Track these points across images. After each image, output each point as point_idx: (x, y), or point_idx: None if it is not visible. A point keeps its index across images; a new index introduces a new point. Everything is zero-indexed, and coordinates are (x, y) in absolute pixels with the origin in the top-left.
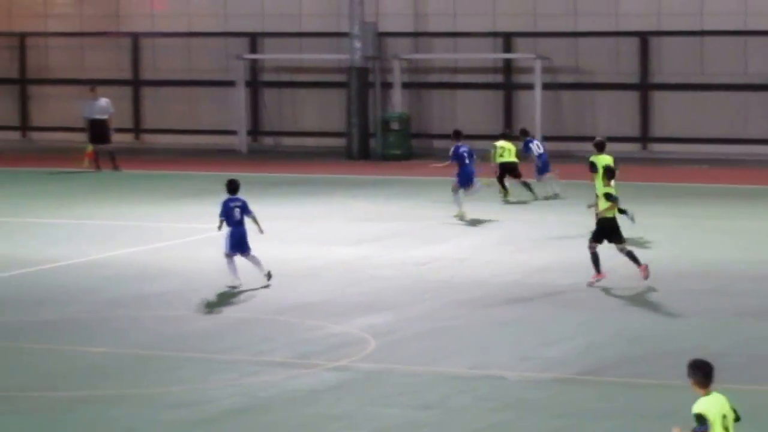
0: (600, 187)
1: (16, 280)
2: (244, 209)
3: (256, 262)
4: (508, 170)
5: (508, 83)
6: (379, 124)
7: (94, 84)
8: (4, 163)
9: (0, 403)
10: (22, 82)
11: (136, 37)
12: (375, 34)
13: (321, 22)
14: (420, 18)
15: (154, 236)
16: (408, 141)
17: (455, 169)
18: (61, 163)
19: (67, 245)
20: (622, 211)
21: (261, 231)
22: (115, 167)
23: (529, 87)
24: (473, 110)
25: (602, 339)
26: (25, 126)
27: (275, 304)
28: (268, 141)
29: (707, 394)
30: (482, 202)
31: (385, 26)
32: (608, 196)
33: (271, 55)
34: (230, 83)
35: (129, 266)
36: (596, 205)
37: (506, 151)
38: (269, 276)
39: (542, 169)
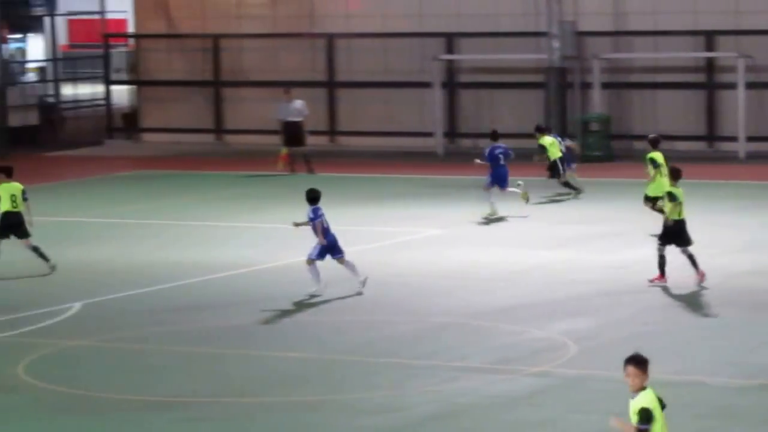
0: (664, 185)
1: (211, 284)
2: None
3: (351, 267)
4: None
5: (710, 83)
6: (579, 126)
7: (288, 86)
8: (198, 167)
9: (195, 409)
10: (216, 85)
11: (330, 38)
12: (573, 34)
13: (518, 21)
14: (619, 17)
15: (349, 240)
16: (608, 142)
17: (489, 170)
18: (256, 166)
19: (262, 249)
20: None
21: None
22: (310, 170)
23: (732, 86)
24: (674, 110)
25: None
26: (219, 129)
27: (474, 308)
28: (465, 143)
29: (645, 387)
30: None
31: (584, 25)
32: (671, 196)
33: (468, 55)
34: (426, 84)
35: (324, 270)
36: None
37: (555, 146)
38: (364, 283)
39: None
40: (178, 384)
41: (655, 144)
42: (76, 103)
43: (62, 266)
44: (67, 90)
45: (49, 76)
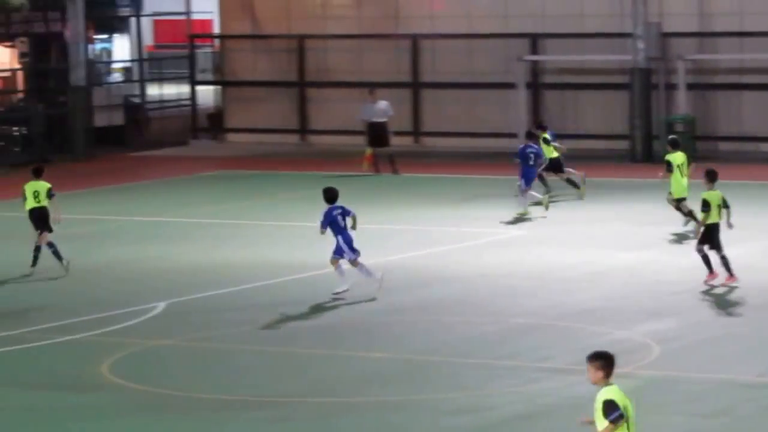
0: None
1: (295, 284)
2: (345, 213)
3: (364, 271)
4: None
5: None
6: (663, 127)
7: (372, 87)
8: (282, 167)
9: (279, 409)
10: (301, 85)
11: (415, 39)
12: (659, 35)
13: (603, 22)
14: (704, 18)
15: (433, 240)
16: (693, 143)
17: (519, 169)
18: (340, 167)
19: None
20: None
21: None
22: (395, 170)
23: None
24: (760, 111)
25: None
26: (303, 129)
27: (557, 309)
28: None
29: (609, 384)
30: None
31: (669, 26)
32: (704, 203)
33: (552, 56)
34: (510, 85)
35: (409, 270)
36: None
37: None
38: (380, 282)
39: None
40: (263, 384)
41: (675, 145)
42: (161, 103)
43: (146, 266)
44: (152, 90)
45: (135, 76)
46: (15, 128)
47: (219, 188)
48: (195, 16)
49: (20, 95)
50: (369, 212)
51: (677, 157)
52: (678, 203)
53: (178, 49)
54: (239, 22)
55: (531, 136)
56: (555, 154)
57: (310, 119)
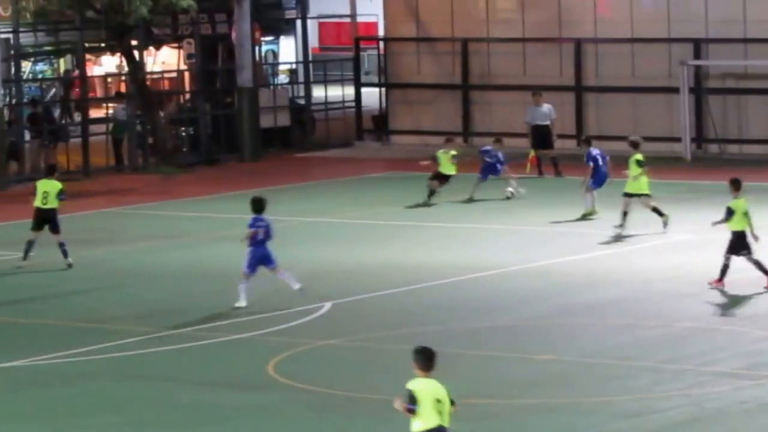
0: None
1: (461, 285)
2: (267, 232)
3: (287, 276)
4: None
5: None
6: None
7: (535, 90)
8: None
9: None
10: (465, 88)
11: (578, 43)
12: None
13: (767, 27)
14: None
15: (597, 243)
16: None
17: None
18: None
19: (512, 251)
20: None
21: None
22: (558, 173)
23: None
24: None
25: None
26: (467, 131)
27: (722, 313)
28: (713, 148)
29: (425, 377)
30: None
31: None
32: (729, 210)
33: (716, 61)
34: (674, 90)
35: (575, 273)
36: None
37: None
38: (301, 290)
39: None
40: None
41: (635, 146)
42: (326, 105)
43: (313, 266)
44: (317, 92)
45: (300, 78)
46: (182, 129)
47: (386, 189)
48: (360, 19)
49: (187, 96)
50: (532, 214)
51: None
52: (631, 198)
53: (342, 51)
54: (404, 25)
55: (588, 141)
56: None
57: (473, 122)
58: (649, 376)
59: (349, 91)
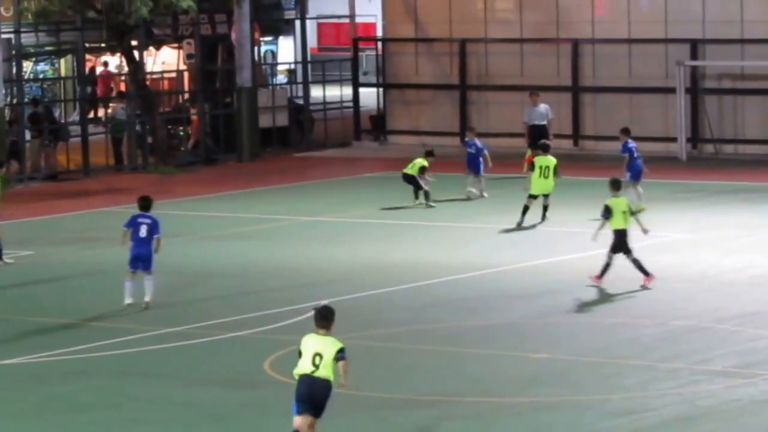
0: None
1: (458, 284)
2: (154, 228)
3: (148, 285)
4: None
5: None
6: None
7: (533, 90)
8: (445, 169)
9: (436, 407)
10: (462, 88)
11: (576, 44)
12: None
13: (764, 28)
14: None
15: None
16: None
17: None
18: (501, 169)
19: (508, 251)
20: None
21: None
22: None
23: None
24: None
25: None
26: (464, 131)
27: (716, 312)
28: (708, 148)
29: (326, 334)
30: None
31: None
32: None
33: (712, 61)
34: (670, 90)
35: (569, 272)
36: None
37: None
38: (146, 306)
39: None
40: (424, 383)
41: (545, 149)
42: (324, 105)
43: (310, 264)
44: (315, 92)
45: (299, 78)
46: (181, 128)
47: (383, 189)
48: (359, 19)
49: (186, 96)
50: (528, 214)
51: (544, 160)
52: (535, 199)
53: (341, 51)
54: (402, 26)
55: (627, 132)
56: None
57: (471, 122)
58: (642, 375)
59: (348, 91)
